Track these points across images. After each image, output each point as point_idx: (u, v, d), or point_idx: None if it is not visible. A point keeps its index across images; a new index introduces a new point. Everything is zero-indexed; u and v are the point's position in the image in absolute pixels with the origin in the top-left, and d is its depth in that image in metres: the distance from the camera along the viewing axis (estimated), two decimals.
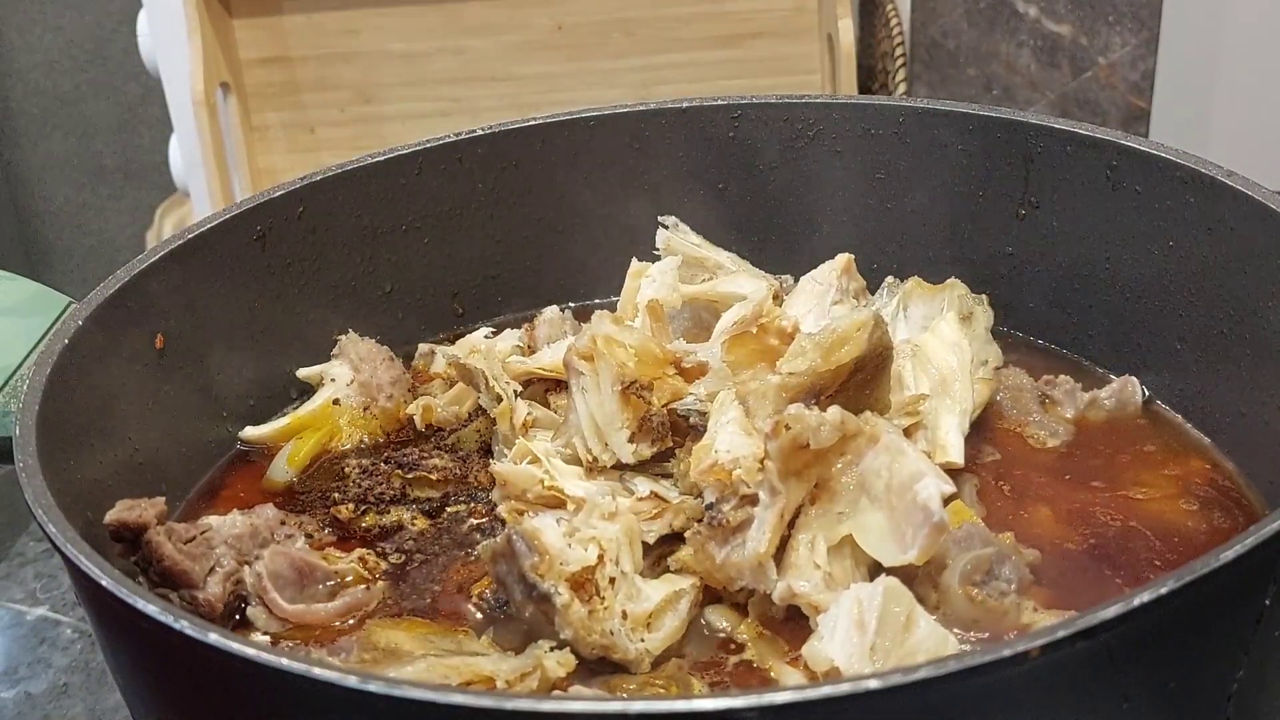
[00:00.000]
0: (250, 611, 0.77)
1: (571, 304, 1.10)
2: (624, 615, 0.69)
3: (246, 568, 0.78)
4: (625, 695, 0.64)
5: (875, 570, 0.71)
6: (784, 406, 0.74)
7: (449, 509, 0.87)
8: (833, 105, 1.06)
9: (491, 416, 0.89)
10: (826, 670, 0.66)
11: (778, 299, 0.94)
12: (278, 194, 0.98)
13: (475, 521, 0.85)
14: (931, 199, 1.04)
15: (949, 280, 0.98)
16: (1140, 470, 0.87)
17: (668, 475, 0.80)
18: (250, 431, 0.96)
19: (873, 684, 0.51)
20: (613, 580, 0.70)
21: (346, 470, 0.91)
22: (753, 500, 0.71)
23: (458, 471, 0.90)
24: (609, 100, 1.11)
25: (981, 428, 0.90)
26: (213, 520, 0.80)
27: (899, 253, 1.05)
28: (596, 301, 1.11)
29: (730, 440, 0.74)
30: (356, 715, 0.54)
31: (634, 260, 0.98)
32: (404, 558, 0.83)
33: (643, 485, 0.79)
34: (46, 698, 0.96)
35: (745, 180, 1.09)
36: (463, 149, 1.06)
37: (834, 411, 0.71)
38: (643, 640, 0.69)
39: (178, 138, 1.66)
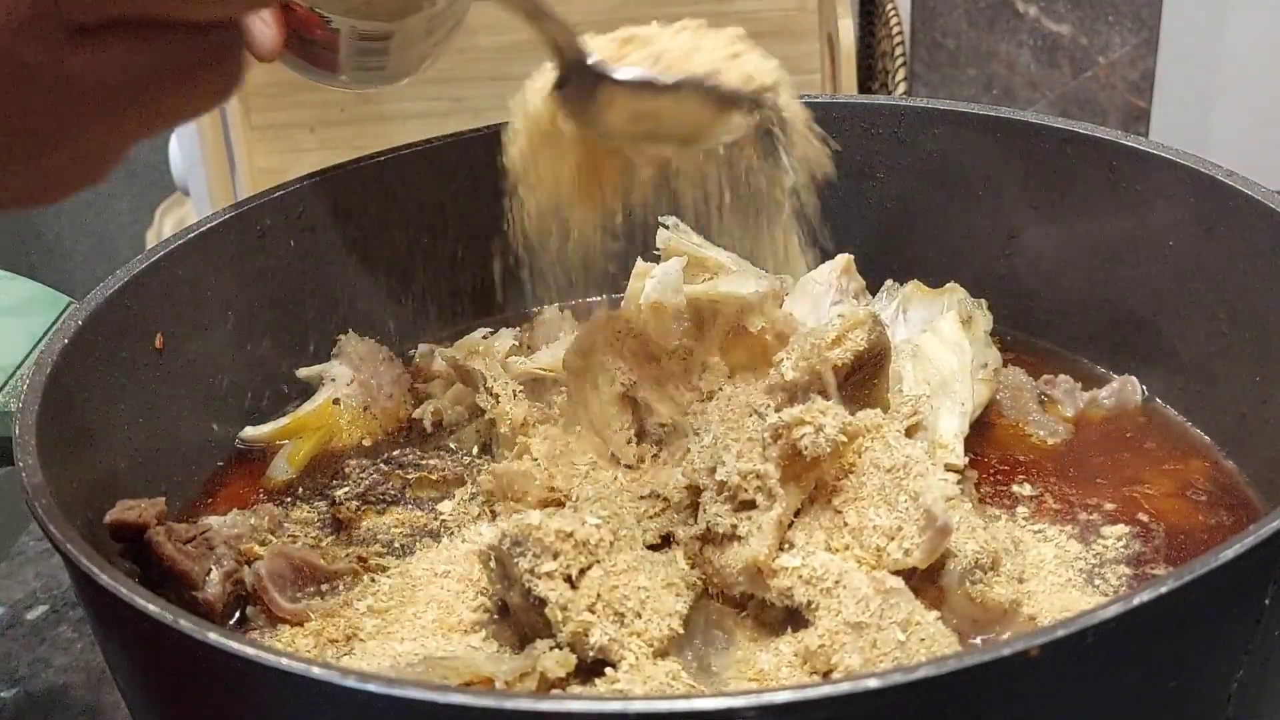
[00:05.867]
0: (250, 611, 0.77)
1: (571, 304, 1.10)
2: (622, 616, 0.69)
3: (246, 568, 0.78)
4: (624, 695, 0.64)
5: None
6: (782, 407, 0.74)
7: (449, 509, 0.87)
8: (833, 105, 1.06)
9: (491, 417, 0.89)
10: (826, 670, 0.66)
11: (778, 299, 0.94)
12: (278, 194, 0.98)
13: (474, 522, 0.85)
14: (931, 199, 1.04)
15: (948, 285, 0.98)
16: (1140, 469, 0.87)
17: (668, 475, 0.80)
18: (250, 431, 0.96)
19: (872, 684, 0.51)
20: (610, 580, 0.69)
21: (346, 470, 0.91)
22: (751, 504, 0.71)
23: (458, 471, 0.90)
24: None
25: (981, 427, 0.90)
26: (213, 520, 0.81)
27: (898, 252, 1.05)
28: (597, 301, 1.11)
29: (729, 443, 0.74)
30: (356, 715, 0.54)
31: (639, 260, 0.98)
32: (403, 557, 0.83)
33: (642, 485, 0.79)
34: (46, 698, 0.96)
35: None
36: (463, 149, 1.06)
37: (832, 417, 0.71)
38: (641, 640, 0.69)
39: (178, 138, 1.65)
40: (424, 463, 0.91)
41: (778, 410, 0.74)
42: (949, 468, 0.82)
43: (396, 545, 0.84)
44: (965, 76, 1.89)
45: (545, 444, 0.84)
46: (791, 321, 0.86)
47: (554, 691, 0.67)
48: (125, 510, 0.76)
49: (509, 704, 0.52)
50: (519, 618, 0.71)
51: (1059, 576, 0.76)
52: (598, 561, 0.69)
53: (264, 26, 0.81)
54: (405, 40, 0.85)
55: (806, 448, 0.70)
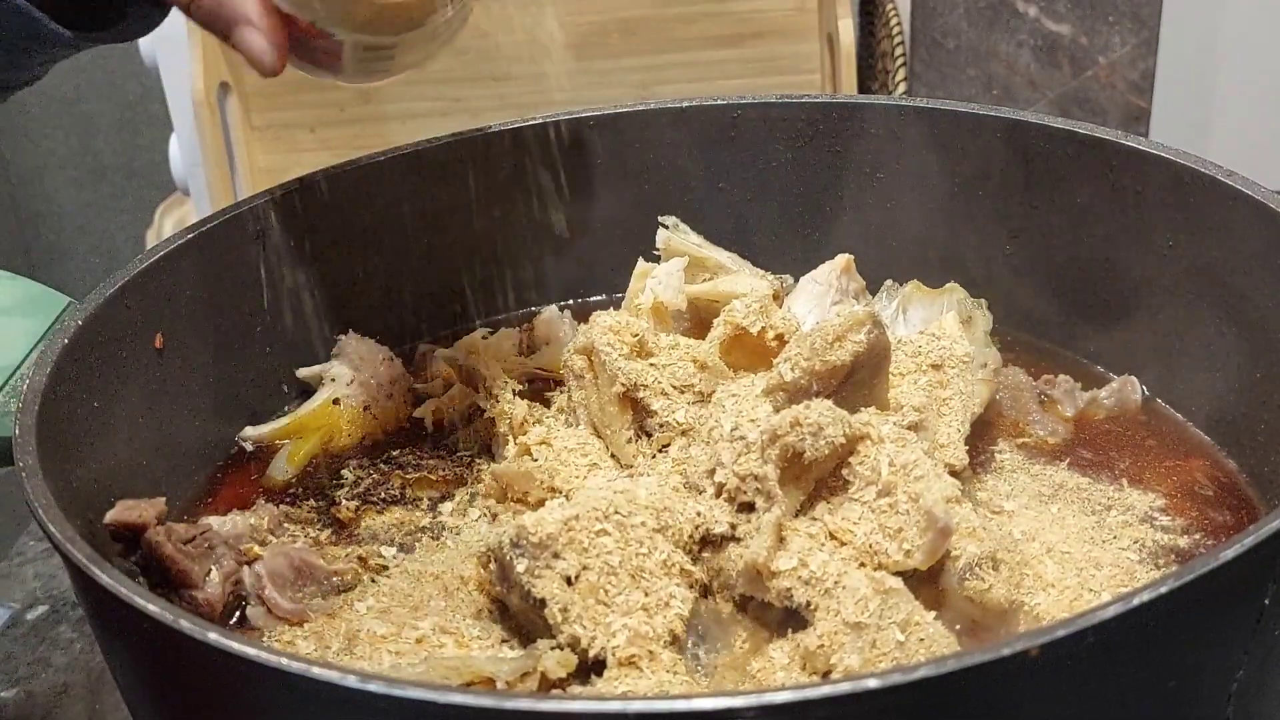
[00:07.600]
0: (250, 611, 0.77)
1: (571, 304, 1.10)
2: (621, 615, 0.69)
3: (246, 568, 0.78)
4: (624, 695, 0.64)
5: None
6: (782, 408, 0.74)
7: (449, 509, 0.87)
8: (833, 105, 1.06)
9: (490, 416, 0.89)
10: (825, 670, 0.66)
11: (778, 299, 0.94)
12: (278, 194, 0.98)
13: (474, 522, 0.85)
14: (931, 199, 1.04)
15: (948, 285, 0.98)
16: (1140, 469, 0.87)
17: (667, 476, 0.80)
18: (250, 431, 0.96)
19: (872, 684, 0.51)
20: (609, 580, 0.69)
21: (346, 470, 0.91)
22: (750, 506, 0.71)
23: (458, 471, 0.90)
24: (609, 100, 1.11)
25: (981, 427, 0.90)
26: (213, 520, 0.80)
27: (898, 252, 1.05)
28: (597, 301, 1.11)
29: (727, 444, 0.74)
30: (356, 715, 0.54)
31: (640, 261, 0.98)
32: (403, 557, 0.83)
33: (643, 485, 0.78)
34: (46, 698, 0.96)
35: (745, 180, 1.09)
36: (463, 149, 1.06)
37: (831, 418, 0.71)
38: (641, 641, 0.69)
39: (178, 137, 1.66)
40: (424, 463, 0.91)
41: (777, 411, 0.74)
42: (949, 468, 0.82)
43: (396, 545, 0.84)
44: (965, 76, 1.89)
45: (545, 444, 0.84)
46: (791, 321, 0.86)
47: (554, 691, 0.67)
48: (125, 510, 0.76)
49: (509, 704, 0.52)
50: (519, 618, 0.71)
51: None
52: (597, 562, 0.69)
53: (264, 43, 0.79)
54: (409, 46, 0.86)
55: (805, 449, 0.70)
